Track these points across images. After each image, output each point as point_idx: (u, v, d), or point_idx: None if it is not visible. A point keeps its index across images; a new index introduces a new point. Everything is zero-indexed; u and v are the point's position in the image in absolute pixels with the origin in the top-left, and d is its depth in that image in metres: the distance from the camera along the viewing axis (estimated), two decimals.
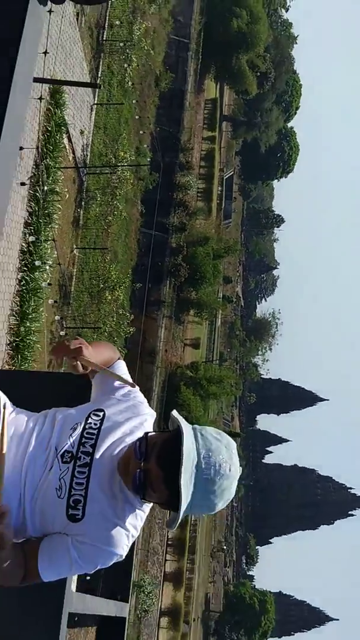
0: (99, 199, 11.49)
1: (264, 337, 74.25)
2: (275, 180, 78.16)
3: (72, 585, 3.24)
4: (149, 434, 1.76)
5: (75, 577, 3.51)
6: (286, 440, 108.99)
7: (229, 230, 61.25)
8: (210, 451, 1.68)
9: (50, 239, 9.34)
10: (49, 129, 8.88)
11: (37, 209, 8.40)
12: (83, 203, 11.45)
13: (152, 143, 25.80)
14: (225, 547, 67.41)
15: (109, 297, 11.03)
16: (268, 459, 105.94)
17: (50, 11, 7.39)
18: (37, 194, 8.42)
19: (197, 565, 44.43)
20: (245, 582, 67.34)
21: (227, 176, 65.13)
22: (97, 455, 1.75)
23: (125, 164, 12.57)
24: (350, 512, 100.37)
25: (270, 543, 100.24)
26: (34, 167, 8.61)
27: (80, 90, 11.12)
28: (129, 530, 1.76)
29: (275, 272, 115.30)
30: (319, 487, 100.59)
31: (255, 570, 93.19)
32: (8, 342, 8.13)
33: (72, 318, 10.24)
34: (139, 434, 1.79)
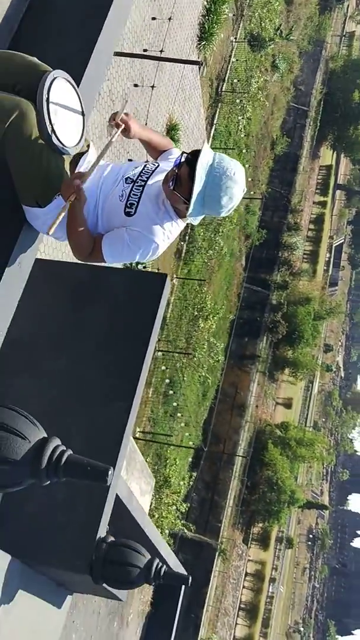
0: (202, 234, 12.08)
1: None
2: None
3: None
4: (184, 153, 2.48)
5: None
6: None
7: (334, 297, 60.48)
8: (223, 160, 2.41)
9: (151, 266, 9.91)
10: None
11: None
12: (187, 237, 12.07)
13: (262, 202, 26.49)
14: (302, 629, 63.39)
15: (202, 325, 11.46)
16: (357, 543, 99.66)
17: (170, 18, 8.17)
18: None
19: None
20: None
21: (336, 244, 64.80)
22: (150, 182, 2.54)
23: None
24: None
25: (352, 634, 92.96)
26: None
27: (195, 132, 11.90)
28: (165, 230, 2.49)
29: None
30: None
31: None
32: None
33: (165, 341, 10.69)
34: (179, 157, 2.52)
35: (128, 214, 2.45)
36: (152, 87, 8.17)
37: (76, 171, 2.51)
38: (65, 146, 2.38)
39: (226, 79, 13.76)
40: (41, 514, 3.24)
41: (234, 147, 14.95)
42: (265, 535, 31.40)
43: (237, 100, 13.70)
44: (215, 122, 13.57)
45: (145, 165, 2.60)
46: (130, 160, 9.01)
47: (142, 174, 2.55)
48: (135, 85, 8.08)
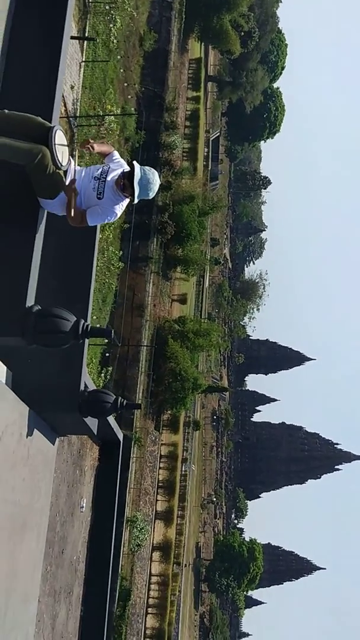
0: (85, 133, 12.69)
1: (252, 298, 75.80)
2: (262, 142, 77.85)
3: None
4: (125, 170, 4.71)
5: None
6: (274, 400, 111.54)
7: (216, 191, 61.85)
8: (146, 173, 4.71)
9: None
10: None
11: None
12: (75, 153, 12.61)
13: (137, 103, 26.56)
14: (215, 500, 70.02)
15: (100, 237, 12.36)
16: (257, 418, 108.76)
17: None
18: None
19: (187, 513, 46.59)
20: (235, 532, 70.16)
21: (213, 137, 65.46)
22: (108, 179, 4.72)
23: (112, 114, 13.69)
24: (336, 467, 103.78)
25: (260, 497, 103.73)
26: None
27: (70, 49, 12.16)
28: (119, 205, 4.70)
29: (263, 234, 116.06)
30: (306, 444, 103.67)
31: (244, 524, 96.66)
32: None
33: None
34: (122, 170, 4.78)
35: (99, 198, 4.61)
36: None
37: (67, 177, 4.60)
38: (63, 165, 4.45)
39: None
40: (46, 378, 4.73)
41: (107, 59, 15.23)
42: (174, 421, 34.07)
43: (105, 12, 13.88)
44: (86, 33, 13.78)
45: (102, 168, 4.74)
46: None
47: (101, 174, 4.72)
48: None
